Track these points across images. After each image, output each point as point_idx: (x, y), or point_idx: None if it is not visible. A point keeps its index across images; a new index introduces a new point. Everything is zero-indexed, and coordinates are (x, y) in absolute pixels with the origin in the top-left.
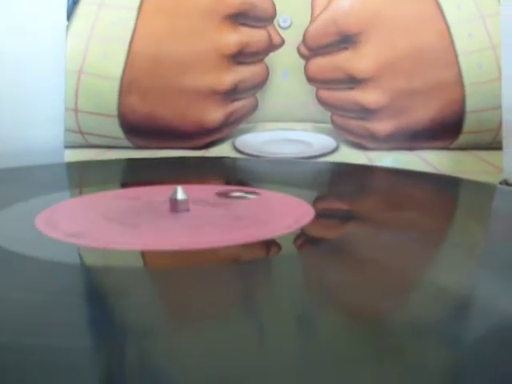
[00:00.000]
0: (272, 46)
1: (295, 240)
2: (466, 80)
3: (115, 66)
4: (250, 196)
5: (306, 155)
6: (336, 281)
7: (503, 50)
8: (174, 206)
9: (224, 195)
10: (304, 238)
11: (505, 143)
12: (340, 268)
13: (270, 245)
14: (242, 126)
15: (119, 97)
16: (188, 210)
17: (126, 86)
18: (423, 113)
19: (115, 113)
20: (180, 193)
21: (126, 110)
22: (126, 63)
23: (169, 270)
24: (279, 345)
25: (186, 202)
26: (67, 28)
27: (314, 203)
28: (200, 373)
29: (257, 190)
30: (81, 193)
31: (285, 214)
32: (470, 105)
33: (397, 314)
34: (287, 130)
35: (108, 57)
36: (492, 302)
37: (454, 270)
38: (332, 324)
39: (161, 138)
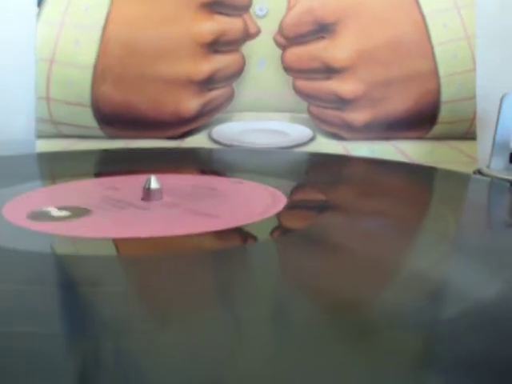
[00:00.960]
0: (248, 35)
1: (267, 228)
2: (442, 70)
3: (88, 54)
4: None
5: (283, 145)
6: (309, 268)
7: (478, 41)
8: (148, 195)
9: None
10: (277, 226)
11: (479, 133)
12: (313, 255)
13: (241, 232)
14: (218, 115)
15: (92, 85)
16: (161, 198)
17: (99, 75)
18: (399, 103)
19: (88, 102)
20: (154, 182)
21: (99, 99)
22: (99, 51)
23: (141, 258)
24: (254, 332)
25: (159, 191)
26: (38, 15)
27: (289, 192)
28: (175, 362)
29: (232, 179)
30: (52, 183)
31: (258, 202)
32: (445, 95)
33: (372, 299)
34: (264, 120)
35: (80, 44)
36: (465, 287)
37: (429, 256)
38: (307, 311)
39: (135, 127)
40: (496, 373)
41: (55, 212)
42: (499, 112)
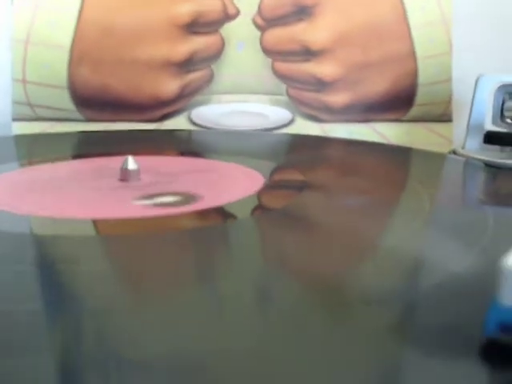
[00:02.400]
0: (227, 16)
1: (247, 207)
2: (419, 53)
3: (64, 35)
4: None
5: (262, 127)
6: (288, 245)
7: (454, 24)
8: (125, 175)
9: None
10: (256, 205)
11: (455, 116)
12: (293, 233)
13: (221, 212)
14: (198, 98)
15: (69, 67)
16: (140, 179)
17: (76, 56)
18: (377, 85)
19: (65, 84)
20: (131, 162)
21: (76, 81)
22: (75, 32)
23: (120, 238)
24: (234, 311)
25: (137, 171)
26: None
27: (269, 173)
28: (156, 342)
29: (208, 161)
30: (29, 164)
31: (238, 183)
32: (422, 78)
33: (350, 274)
34: (243, 102)
35: (56, 25)
36: (439, 261)
37: (405, 232)
38: (287, 288)
39: (114, 110)
40: (467, 340)
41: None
42: (474, 93)
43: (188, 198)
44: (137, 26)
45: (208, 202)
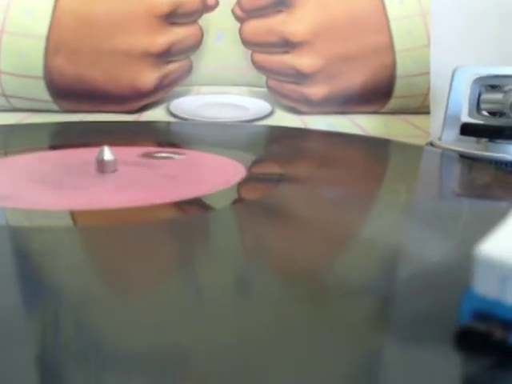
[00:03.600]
0: (206, 7)
1: (226, 198)
2: (397, 46)
3: (40, 25)
4: (175, 156)
5: (242, 119)
6: (267, 236)
7: (432, 17)
8: (101, 166)
9: (148, 155)
10: (235, 196)
11: (432, 108)
12: (272, 224)
13: (199, 202)
14: (177, 89)
15: (45, 57)
16: (116, 170)
17: (52, 46)
18: (356, 77)
19: (41, 74)
20: (107, 153)
21: (53, 71)
22: (51, 21)
23: (98, 229)
24: (213, 302)
25: (113, 162)
26: None
27: (248, 164)
28: (136, 333)
29: (187, 151)
30: (5, 155)
31: (216, 174)
32: (400, 70)
33: (327, 265)
34: (222, 93)
35: (32, 14)
36: (417, 252)
37: (383, 223)
38: (265, 278)
39: (91, 101)
40: (443, 329)
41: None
42: (451, 85)
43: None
44: (115, 16)
45: (186, 192)
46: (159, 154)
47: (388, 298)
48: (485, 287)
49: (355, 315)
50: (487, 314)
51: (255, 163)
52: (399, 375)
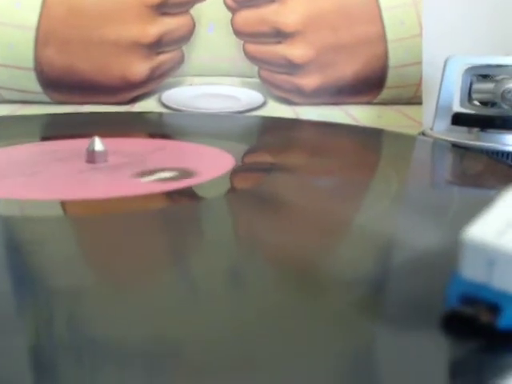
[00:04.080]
0: None
1: (218, 188)
2: (389, 36)
3: (30, 15)
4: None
5: (234, 110)
6: (258, 225)
7: (424, 7)
8: (92, 157)
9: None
10: (228, 186)
11: (424, 98)
12: (264, 213)
13: (190, 192)
14: (169, 80)
15: (35, 48)
16: (107, 161)
17: (42, 37)
18: (348, 68)
19: (31, 65)
20: (98, 144)
21: (43, 62)
22: (41, 12)
23: (89, 219)
24: (206, 292)
25: (104, 153)
26: None
27: (241, 155)
28: (127, 325)
29: (177, 142)
30: None
31: (208, 164)
32: (392, 60)
33: (319, 254)
34: (215, 84)
35: (21, 5)
36: (412, 238)
37: (377, 211)
38: (257, 268)
39: (82, 92)
40: (431, 313)
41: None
42: (442, 75)
43: (183, 174)
44: (105, 6)
45: (177, 182)
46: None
47: (379, 285)
48: (471, 271)
49: (346, 301)
50: (474, 297)
51: (248, 153)
52: (388, 359)
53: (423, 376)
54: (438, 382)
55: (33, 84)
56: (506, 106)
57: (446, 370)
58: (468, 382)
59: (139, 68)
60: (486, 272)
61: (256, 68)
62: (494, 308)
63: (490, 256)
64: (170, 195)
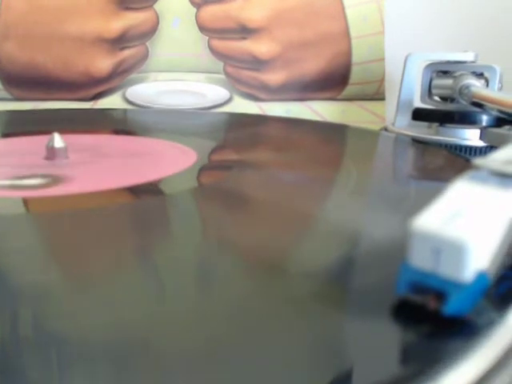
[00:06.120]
0: None
1: (181, 183)
2: (353, 32)
3: None
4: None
5: (199, 106)
6: (222, 220)
7: (386, 4)
8: (51, 153)
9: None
10: (191, 182)
11: (387, 94)
12: (228, 209)
13: (152, 188)
14: (133, 76)
15: None
16: (67, 157)
17: (1, 31)
18: (313, 64)
19: None
20: (57, 140)
21: (3, 57)
22: (0, 6)
23: (53, 216)
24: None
25: (64, 149)
26: None
27: (205, 151)
28: (92, 322)
29: (141, 138)
30: None
31: (171, 160)
32: (356, 57)
33: (284, 246)
34: (180, 80)
35: None
36: (373, 230)
37: (340, 204)
38: (221, 263)
39: (44, 88)
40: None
41: None
42: (403, 71)
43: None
44: (67, 0)
45: (139, 177)
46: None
47: (339, 275)
48: (419, 259)
49: (307, 291)
50: (422, 285)
51: (212, 150)
52: (343, 345)
53: (376, 361)
54: (388, 366)
55: None
56: (463, 102)
57: (397, 355)
58: (415, 365)
59: (102, 63)
60: (433, 260)
61: (221, 64)
62: (441, 295)
63: (436, 244)
64: (132, 190)
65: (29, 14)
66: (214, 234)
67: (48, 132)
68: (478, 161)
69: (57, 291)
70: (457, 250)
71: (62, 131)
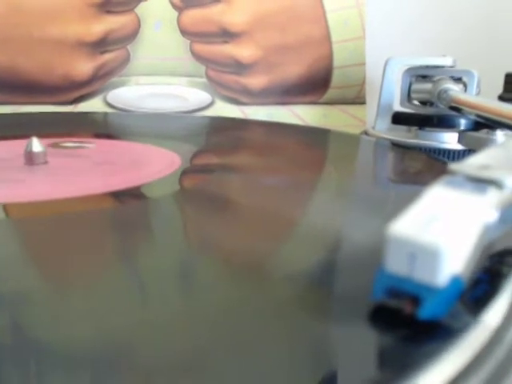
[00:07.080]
0: None
1: (164, 188)
2: (333, 37)
3: None
4: (86, 145)
5: (181, 110)
6: (205, 224)
7: (367, 10)
8: (30, 158)
9: (56, 145)
10: (173, 186)
11: (368, 98)
12: (210, 213)
13: (135, 192)
14: (114, 79)
15: None
16: (47, 162)
17: None
18: (294, 68)
19: None
20: (35, 144)
21: None
22: None
23: (31, 222)
24: (154, 293)
25: (42, 153)
26: None
27: (187, 155)
28: (73, 327)
29: (120, 142)
30: None
31: (153, 164)
32: (337, 61)
33: (267, 251)
34: (161, 84)
35: None
36: (354, 234)
37: (319, 210)
38: (204, 266)
39: (24, 92)
40: (361, 306)
41: None
42: (383, 76)
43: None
44: (47, 4)
45: (122, 182)
46: (67, 144)
47: (318, 279)
48: (395, 264)
49: (286, 296)
50: (398, 290)
51: (194, 153)
52: (320, 350)
53: (353, 365)
54: (366, 370)
55: None
56: (442, 106)
57: (374, 358)
58: (392, 369)
59: (83, 67)
60: (408, 265)
61: (203, 68)
62: (417, 299)
63: (411, 249)
64: (113, 195)
65: (8, 17)
66: (197, 238)
67: (26, 136)
68: (454, 166)
69: (35, 298)
70: (431, 255)
71: (41, 135)
